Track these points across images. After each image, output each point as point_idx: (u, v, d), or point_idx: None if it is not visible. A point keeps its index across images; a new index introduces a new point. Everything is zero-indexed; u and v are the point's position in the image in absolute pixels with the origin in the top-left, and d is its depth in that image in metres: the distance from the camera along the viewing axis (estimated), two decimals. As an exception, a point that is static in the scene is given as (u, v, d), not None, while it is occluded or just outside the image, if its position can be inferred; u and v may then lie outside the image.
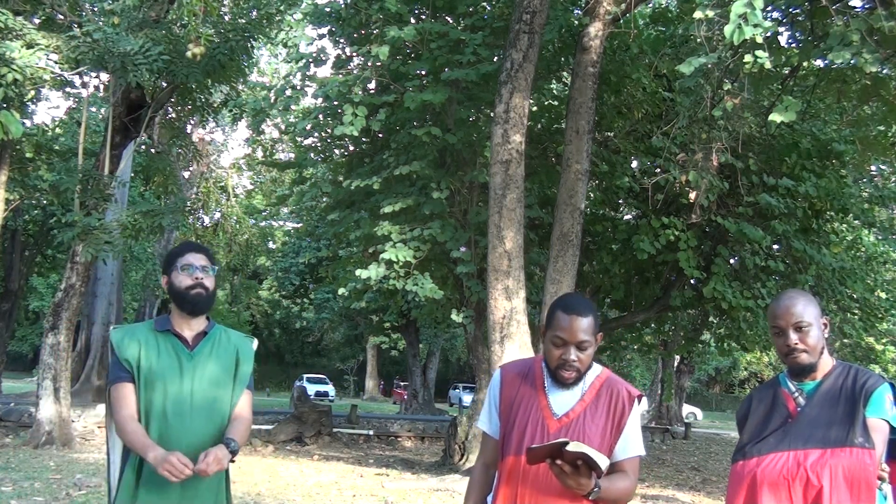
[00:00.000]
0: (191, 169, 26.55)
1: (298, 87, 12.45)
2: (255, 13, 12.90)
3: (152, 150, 18.22)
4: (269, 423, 16.73)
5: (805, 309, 2.45)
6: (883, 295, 14.70)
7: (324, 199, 15.56)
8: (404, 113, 11.26)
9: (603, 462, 2.04)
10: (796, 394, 2.49)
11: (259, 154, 28.18)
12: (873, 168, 14.12)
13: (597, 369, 2.37)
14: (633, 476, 2.29)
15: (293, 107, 13.93)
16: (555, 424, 2.27)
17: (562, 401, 2.31)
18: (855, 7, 7.70)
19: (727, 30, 6.32)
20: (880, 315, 14.00)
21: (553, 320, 2.29)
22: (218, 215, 28.11)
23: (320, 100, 12.04)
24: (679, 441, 22.37)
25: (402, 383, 39.03)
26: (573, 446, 2.02)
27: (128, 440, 2.48)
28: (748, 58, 6.77)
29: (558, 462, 2.06)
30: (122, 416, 2.50)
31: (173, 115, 15.15)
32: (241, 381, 2.67)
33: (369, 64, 11.13)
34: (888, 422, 2.35)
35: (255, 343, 2.81)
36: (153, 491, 2.46)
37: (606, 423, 2.28)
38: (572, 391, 2.32)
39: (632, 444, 2.30)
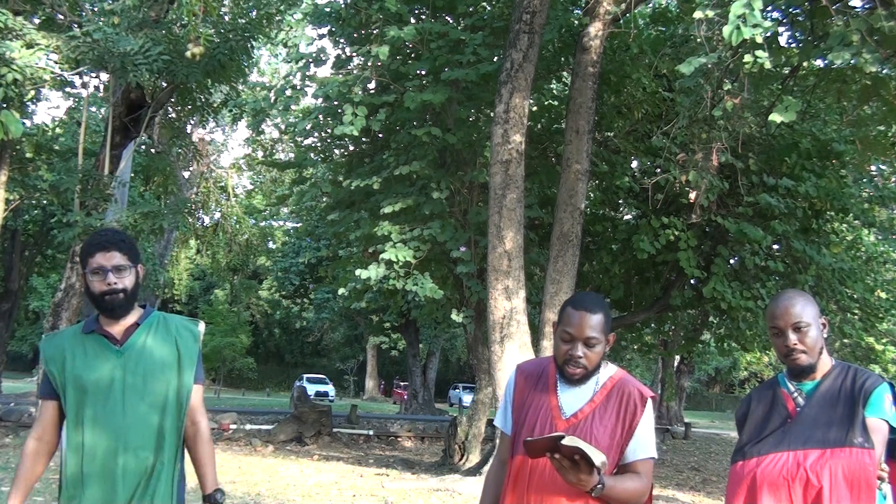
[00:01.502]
0: (191, 169, 26.52)
1: (298, 87, 12.45)
2: (255, 13, 12.91)
3: (152, 150, 18.22)
4: (269, 423, 16.74)
5: (804, 309, 2.45)
6: (883, 295, 14.68)
7: (324, 199, 15.57)
8: (404, 113, 11.25)
9: (597, 458, 2.04)
10: (795, 394, 2.48)
11: (259, 154, 28.19)
12: (873, 168, 14.08)
13: (611, 369, 2.36)
14: (645, 478, 2.26)
15: (293, 107, 13.93)
16: (563, 425, 2.27)
17: (572, 401, 2.31)
18: (855, 7, 7.70)
19: (725, 31, 6.31)
20: (880, 315, 13.97)
21: (563, 316, 2.30)
22: (218, 215, 28.12)
23: (320, 100, 12.04)
24: (679, 441, 22.38)
25: (402, 383, 39.03)
26: (568, 440, 2.03)
27: (19, 466, 2.46)
28: (748, 58, 6.76)
29: (556, 456, 2.06)
30: (28, 438, 2.50)
31: (173, 115, 15.16)
32: (187, 365, 2.51)
33: (369, 64, 11.13)
34: (887, 422, 2.35)
35: (202, 326, 2.64)
36: (97, 486, 2.38)
37: (616, 424, 2.26)
38: (583, 391, 2.31)
39: (643, 445, 2.28)
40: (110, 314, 2.47)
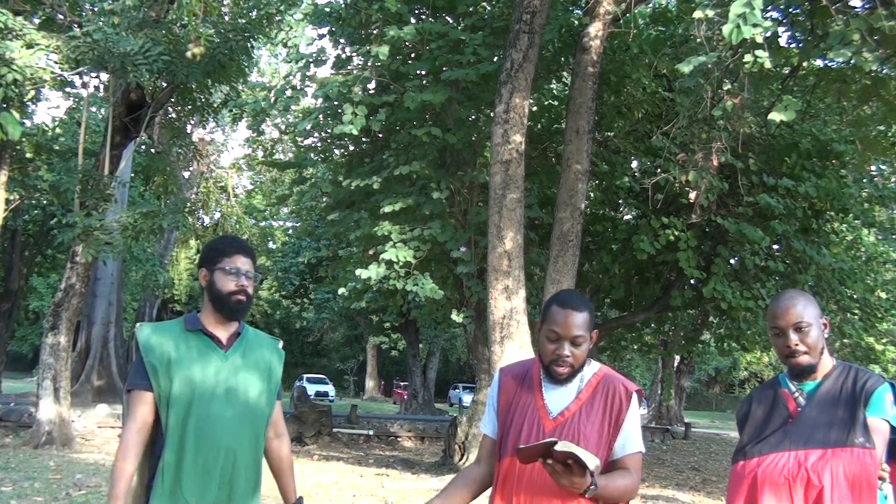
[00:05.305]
0: (191, 169, 26.52)
1: (298, 88, 12.46)
2: (255, 13, 12.90)
3: (152, 150, 18.23)
4: (269, 423, 16.72)
5: (804, 309, 2.44)
6: (883, 295, 14.69)
7: (324, 199, 15.57)
8: (404, 113, 11.26)
9: (592, 462, 2.03)
10: (796, 394, 2.48)
11: (259, 154, 28.18)
12: (873, 168, 14.09)
13: (594, 366, 2.36)
14: (635, 473, 2.26)
15: (293, 107, 13.93)
16: (550, 424, 2.26)
17: (558, 400, 2.30)
18: (855, 7, 7.71)
19: (725, 30, 6.32)
20: (880, 315, 13.98)
21: (548, 315, 2.28)
22: (218, 215, 28.11)
23: (320, 100, 12.05)
24: (679, 441, 22.38)
25: (402, 383, 39.04)
26: (561, 446, 2.01)
27: (115, 466, 2.33)
28: (748, 58, 6.77)
29: (549, 462, 2.05)
30: (127, 431, 2.39)
31: (173, 115, 15.15)
32: (275, 386, 2.59)
33: (369, 64, 11.13)
34: (888, 422, 2.34)
35: (281, 344, 2.73)
36: (196, 484, 2.37)
37: (603, 420, 2.25)
38: (568, 389, 2.30)
39: (631, 440, 2.27)
40: (231, 315, 2.50)
